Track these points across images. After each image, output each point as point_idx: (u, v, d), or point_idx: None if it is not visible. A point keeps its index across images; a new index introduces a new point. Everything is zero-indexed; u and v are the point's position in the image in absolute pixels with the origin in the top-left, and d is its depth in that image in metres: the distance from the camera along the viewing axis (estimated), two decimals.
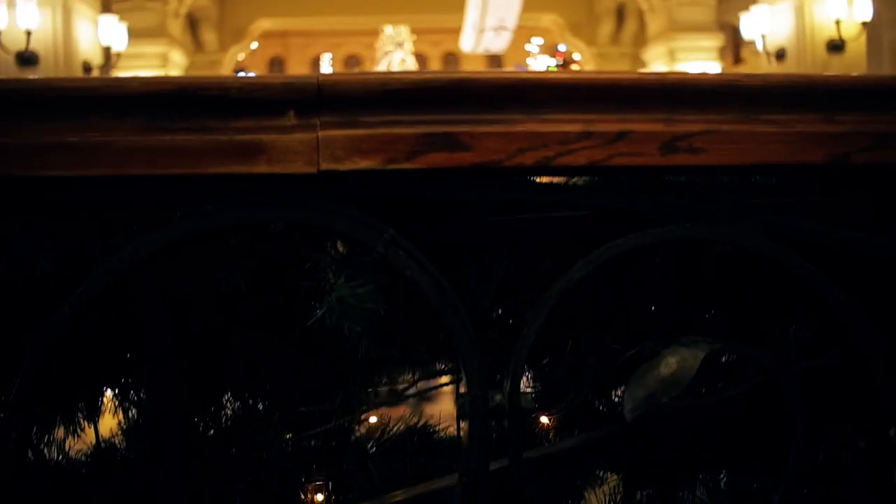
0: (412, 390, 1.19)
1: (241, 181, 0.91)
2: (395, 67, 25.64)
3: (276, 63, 35.71)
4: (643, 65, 15.32)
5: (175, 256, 0.96)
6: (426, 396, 1.22)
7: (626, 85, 0.94)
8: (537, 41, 27.80)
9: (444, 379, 1.19)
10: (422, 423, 1.17)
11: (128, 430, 1.10)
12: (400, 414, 1.18)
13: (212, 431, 1.09)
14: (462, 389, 1.04)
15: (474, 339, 0.95)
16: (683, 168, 0.96)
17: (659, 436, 1.00)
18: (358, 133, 0.90)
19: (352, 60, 35.96)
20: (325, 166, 0.89)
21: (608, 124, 0.92)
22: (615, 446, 1.07)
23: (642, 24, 15.75)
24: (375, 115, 0.91)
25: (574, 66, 23.54)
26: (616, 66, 17.37)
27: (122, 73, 12.75)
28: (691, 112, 0.94)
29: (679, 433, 1.01)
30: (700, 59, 13.85)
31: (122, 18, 11.41)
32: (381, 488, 1.06)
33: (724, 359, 1.06)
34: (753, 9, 11.00)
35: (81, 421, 1.10)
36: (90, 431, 1.11)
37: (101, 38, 10.53)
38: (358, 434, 1.13)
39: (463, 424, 1.08)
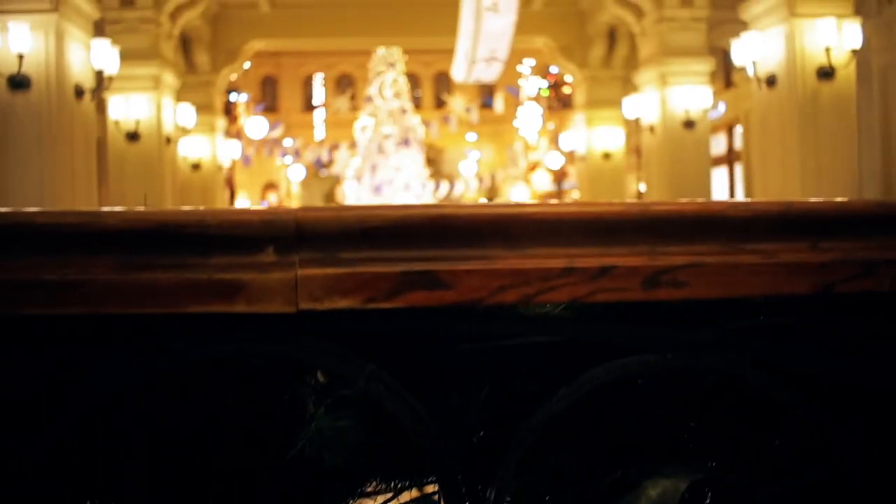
0: None
1: (219, 316, 0.90)
2: (388, 87, 25.65)
3: (269, 82, 35.81)
4: (634, 88, 15.39)
5: (152, 386, 0.95)
6: None
7: (609, 218, 0.93)
8: (529, 62, 27.94)
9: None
10: None
11: None
12: None
13: None
14: None
15: (455, 469, 0.94)
16: (667, 303, 0.96)
17: None
18: (337, 272, 0.89)
19: (344, 80, 36.06)
20: (303, 306, 0.88)
21: (591, 259, 0.91)
22: None
23: (634, 48, 15.84)
24: (355, 252, 0.90)
25: (565, 89, 23.66)
26: (607, 89, 17.47)
27: (114, 95, 12.77)
28: (676, 244, 0.93)
29: None
30: (691, 84, 13.92)
31: (114, 40, 11.41)
32: None
33: (706, 490, 1.04)
34: (744, 35, 11.07)
35: None
36: None
37: (93, 61, 10.52)
38: None
39: None
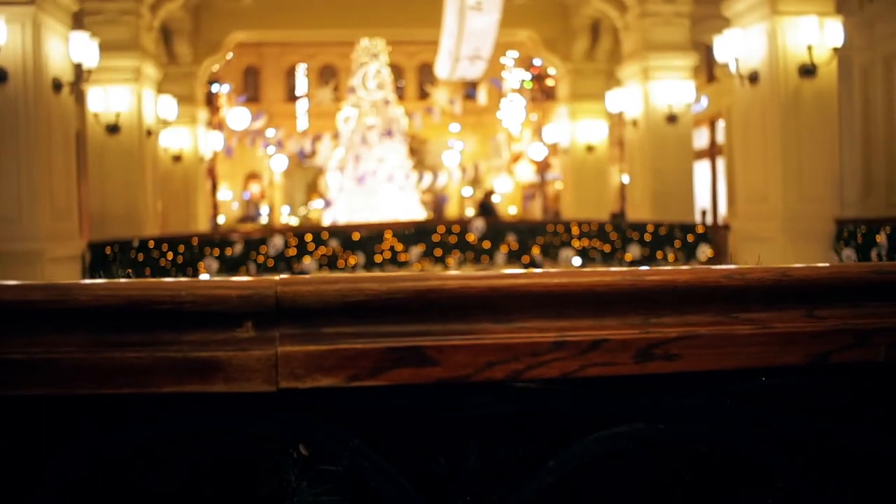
0: None
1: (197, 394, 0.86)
2: (371, 78, 25.51)
3: (251, 73, 35.50)
4: (618, 82, 15.38)
5: (129, 460, 0.91)
6: None
7: (601, 290, 0.90)
8: (512, 54, 27.86)
9: None
10: None
11: None
12: None
13: None
14: None
15: None
16: (658, 376, 0.93)
17: None
18: (319, 349, 0.85)
19: (327, 71, 35.85)
20: (284, 384, 0.85)
21: (582, 332, 0.88)
22: None
23: (617, 41, 15.82)
24: (337, 327, 0.86)
25: (549, 81, 23.61)
26: (591, 83, 17.45)
27: (94, 87, 12.61)
28: (669, 314, 0.90)
29: None
30: (674, 78, 13.93)
31: (94, 32, 11.27)
32: None
33: None
34: (726, 32, 11.07)
35: None
36: None
37: (72, 54, 10.37)
38: None
39: None
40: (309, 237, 11.75)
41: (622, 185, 22.08)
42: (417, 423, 0.97)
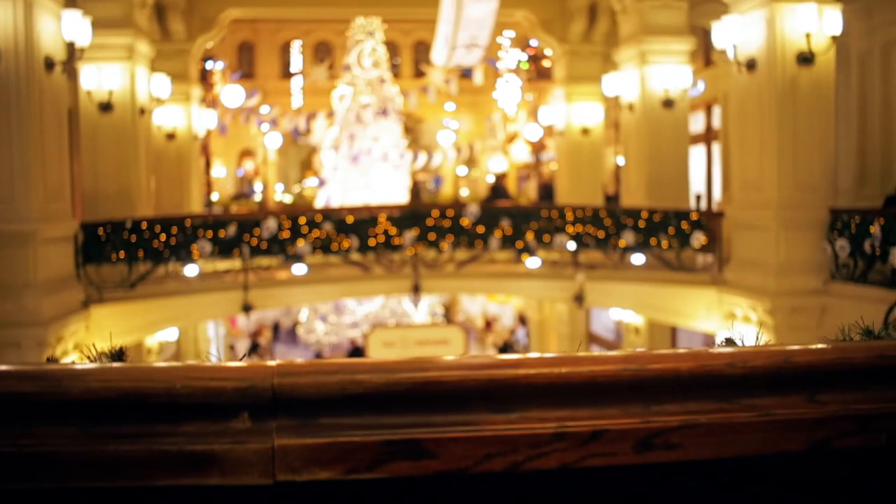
0: None
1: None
2: (366, 56, 25.34)
3: (245, 48, 35.22)
4: (614, 65, 15.30)
5: None
6: None
7: (602, 381, 0.89)
8: (509, 34, 27.69)
9: None
10: None
11: None
12: None
13: None
14: None
15: None
16: (658, 465, 0.92)
17: None
18: (316, 441, 0.84)
19: (322, 47, 35.58)
20: (281, 477, 0.84)
21: (582, 422, 0.87)
22: None
23: (614, 23, 15.72)
24: (335, 418, 0.85)
25: (545, 62, 23.49)
26: (587, 65, 17.36)
27: (86, 65, 12.49)
28: (670, 402, 0.89)
29: None
30: (671, 63, 13.86)
31: (86, 9, 11.12)
32: None
33: None
34: (724, 18, 10.98)
35: None
36: None
37: (64, 32, 10.25)
38: None
39: None
40: (303, 220, 11.71)
41: (617, 168, 22.05)
42: None
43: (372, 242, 11.93)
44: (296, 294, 12.91)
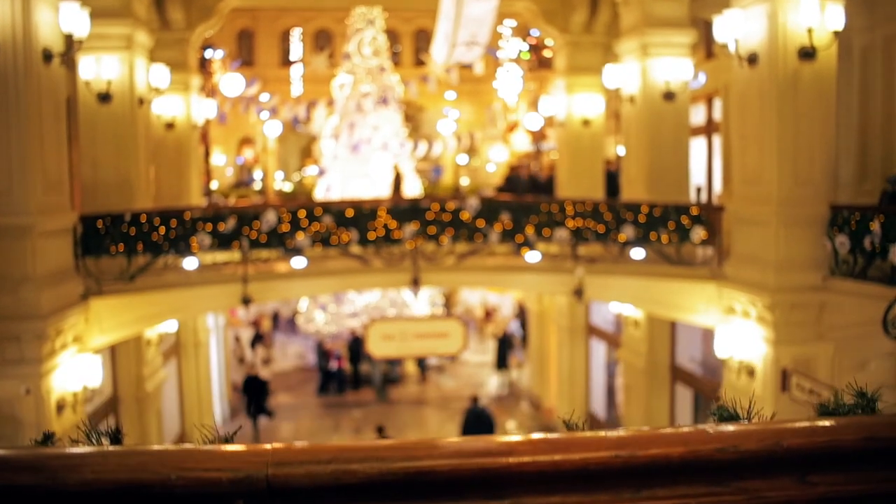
0: None
1: None
2: (366, 45, 25.28)
3: (245, 36, 35.16)
4: (615, 56, 15.25)
5: None
6: None
7: (594, 468, 0.88)
8: (510, 23, 27.60)
9: None
10: None
11: None
12: None
13: None
14: None
15: None
16: None
17: None
18: None
19: (322, 35, 35.45)
20: None
21: None
22: None
23: (616, 14, 15.65)
24: None
25: (546, 52, 23.41)
26: (588, 56, 17.30)
27: (85, 55, 12.44)
28: (661, 486, 0.88)
29: None
30: (672, 55, 13.82)
31: (84, 0, 11.07)
32: None
33: None
34: (726, 12, 10.92)
35: None
36: None
37: (62, 24, 10.20)
38: None
39: None
40: (302, 213, 11.70)
41: (617, 158, 22.01)
42: None
43: (371, 236, 11.92)
44: (295, 287, 12.90)
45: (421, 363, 24.45)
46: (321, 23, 35.07)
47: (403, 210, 12.03)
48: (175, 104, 16.08)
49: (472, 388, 22.28)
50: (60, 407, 9.69)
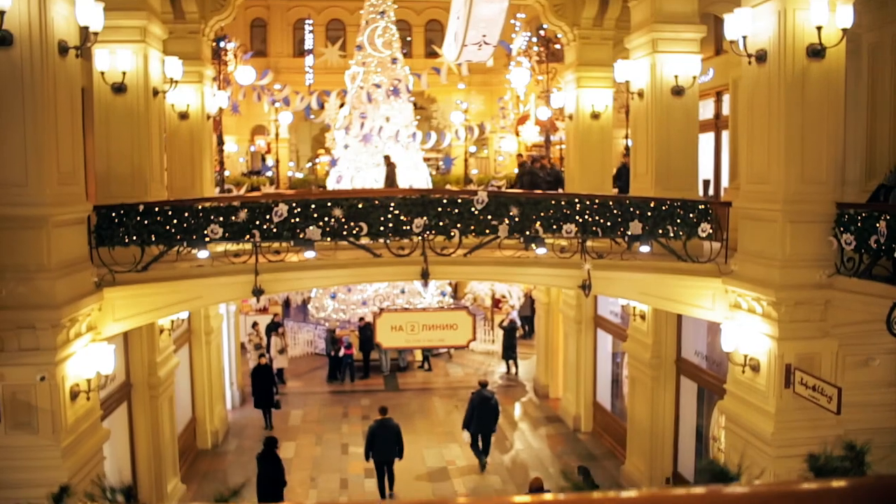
0: None
1: None
2: (378, 36, 25.32)
3: (258, 25, 35.22)
4: (625, 51, 15.27)
5: None
6: None
7: None
8: (521, 15, 27.57)
9: None
10: None
11: None
12: None
13: None
14: None
15: None
16: None
17: None
18: None
19: (334, 25, 35.48)
20: None
21: None
22: None
23: (625, 9, 15.67)
24: None
25: (556, 46, 23.40)
26: (598, 50, 17.35)
27: (100, 48, 12.57)
28: None
29: None
30: (682, 51, 13.83)
31: None
32: None
33: None
34: (736, 10, 10.93)
35: None
36: None
37: (78, 17, 10.32)
38: None
39: None
40: (313, 206, 11.82)
41: (626, 148, 22.04)
42: None
43: (382, 228, 12.03)
44: (306, 279, 13.02)
45: (426, 356, 24.66)
46: (333, 13, 35.09)
47: (413, 203, 12.12)
48: (189, 94, 16.21)
49: (480, 376, 22.44)
50: (74, 394, 9.87)
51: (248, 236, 11.68)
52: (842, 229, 10.03)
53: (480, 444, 17.19)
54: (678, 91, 13.75)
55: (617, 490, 1.07)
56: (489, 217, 12.18)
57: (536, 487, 12.51)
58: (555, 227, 12.23)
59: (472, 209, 12.16)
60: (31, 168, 9.32)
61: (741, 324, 11.05)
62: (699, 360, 13.99)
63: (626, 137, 21.74)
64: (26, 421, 9.42)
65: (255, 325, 23.17)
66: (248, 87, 24.27)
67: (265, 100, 25.98)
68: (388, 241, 12.27)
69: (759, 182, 10.74)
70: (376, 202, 12.07)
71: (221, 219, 11.50)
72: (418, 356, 24.81)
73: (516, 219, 12.17)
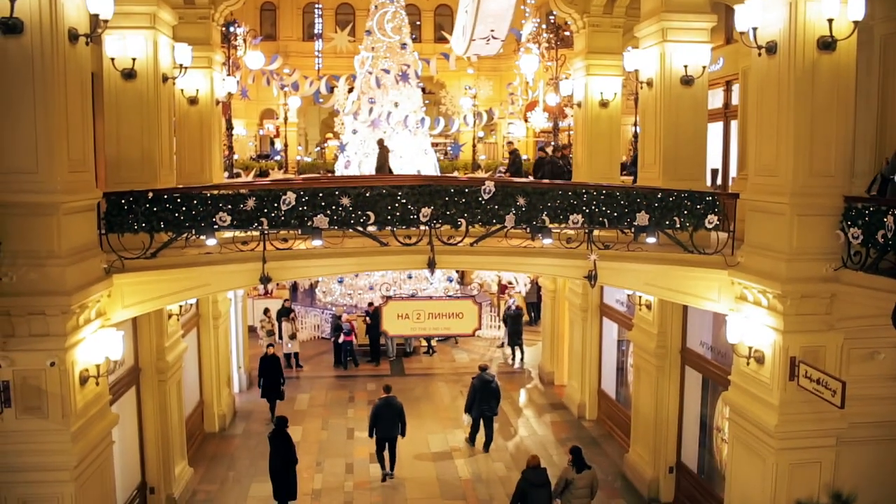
0: None
1: None
2: (387, 21, 25.27)
3: (267, 10, 35.14)
4: (634, 39, 15.23)
5: None
6: None
7: None
8: (531, 1, 27.44)
9: None
10: None
11: None
12: None
13: None
14: None
15: None
16: None
17: None
18: None
19: (344, 8, 35.39)
20: None
21: None
22: None
23: None
24: None
25: (566, 34, 23.33)
26: (607, 38, 17.33)
27: (110, 34, 12.60)
28: None
29: None
30: (692, 40, 13.78)
31: None
32: None
33: None
34: (747, 1, 10.87)
35: None
36: None
37: (88, 4, 10.33)
38: None
39: None
40: (321, 194, 11.86)
41: (635, 134, 22.01)
42: None
43: (389, 217, 12.08)
44: (313, 267, 13.09)
45: (428, 340, 24.87)
46: None
47: (420, 192, 12.14)
48: (198, 80, 16.24)
49: (486, 362, 22.58)
50: (84, 379, 9.98)
51: (256, 224, 11.74)
52: (849, 223, 10.03)
53: (483, 428, 17.35)
54: (687, 81, 13.71)
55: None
56: (496, 207, 12.21)
57: (534, 465, 12.72)
58: (561, 217, 12.25)
59: (479, 199, 12.19)
60: (42, 156, 9.37)
61: (747, 316, 11.08)
62: (704, 351, 14.04)
63: (635, 125, 21.70)
64: (36, 405, 9.54)
65: (266, 311, 23.29)
66: (257, 71, 24.27)
67: (274, 84, 25.98)
68: (395, 230, 12.31)
69: (768, 175, 10.72)
70: (384, 191, 12.11)
71: (230, 206, 11.56)
72: (423, 341, 24.99)
73: (523, 209, 12.19)
